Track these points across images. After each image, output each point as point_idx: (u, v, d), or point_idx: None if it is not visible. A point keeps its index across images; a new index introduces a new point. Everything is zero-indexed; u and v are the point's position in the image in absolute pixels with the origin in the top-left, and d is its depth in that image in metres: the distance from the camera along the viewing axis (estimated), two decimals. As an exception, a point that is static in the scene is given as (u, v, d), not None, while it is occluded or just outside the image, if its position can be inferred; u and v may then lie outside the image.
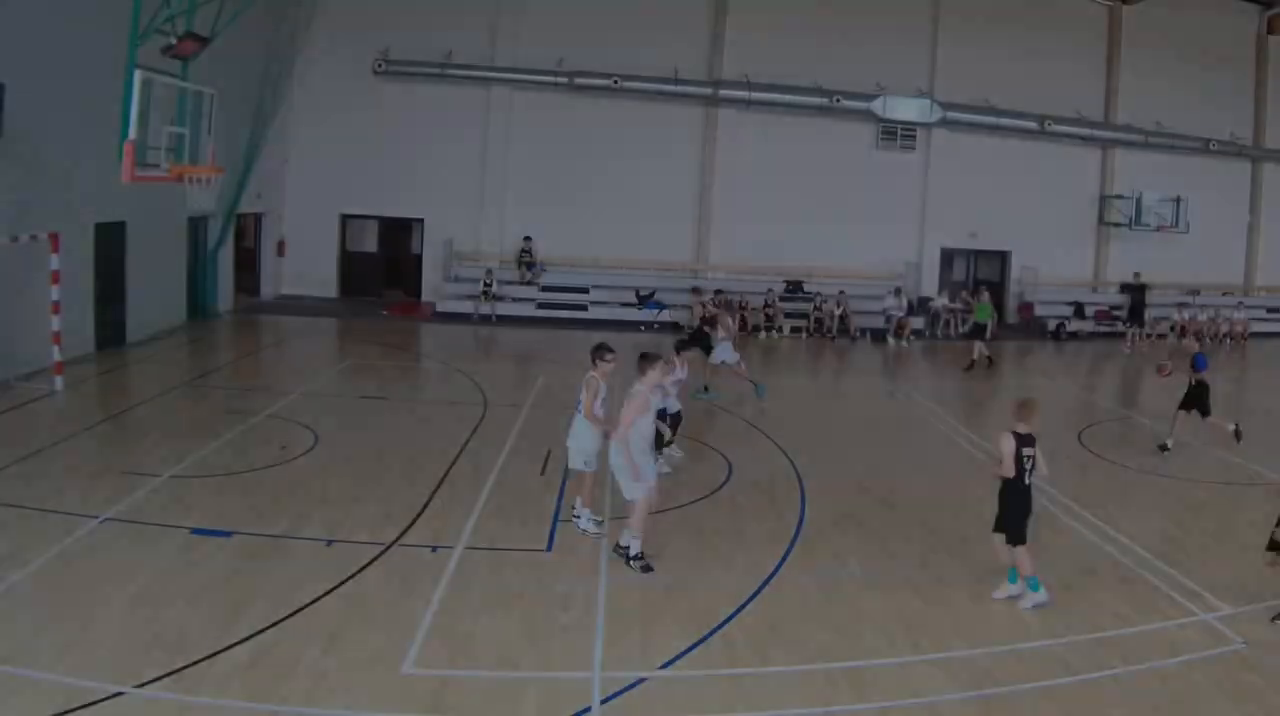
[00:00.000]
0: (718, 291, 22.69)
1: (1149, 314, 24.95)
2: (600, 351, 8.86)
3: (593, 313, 23.77)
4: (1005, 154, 26.11)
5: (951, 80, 25.64)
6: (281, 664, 6.32)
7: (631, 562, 8.22)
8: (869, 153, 25.81)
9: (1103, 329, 25.27)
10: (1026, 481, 7.81)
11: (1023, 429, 7.79)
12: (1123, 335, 24.02)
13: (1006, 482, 7.81)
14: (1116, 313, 25.72)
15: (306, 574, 7.75)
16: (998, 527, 7.91)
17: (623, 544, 8.35)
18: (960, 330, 24.44)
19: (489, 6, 24.31)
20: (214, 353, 17.92)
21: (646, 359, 8.53)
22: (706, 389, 15.11)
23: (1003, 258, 27.53)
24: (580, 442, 8.86)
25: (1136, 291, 23.42)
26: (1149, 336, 24.15)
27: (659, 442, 11.72)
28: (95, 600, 7.05)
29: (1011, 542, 7.80)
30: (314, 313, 22.76)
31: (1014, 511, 7.81)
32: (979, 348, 19.37)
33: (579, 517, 9.05)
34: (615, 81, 24.18)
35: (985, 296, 20.73)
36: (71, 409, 12.72)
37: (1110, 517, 10.09)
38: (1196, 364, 12.77)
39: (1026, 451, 7.75)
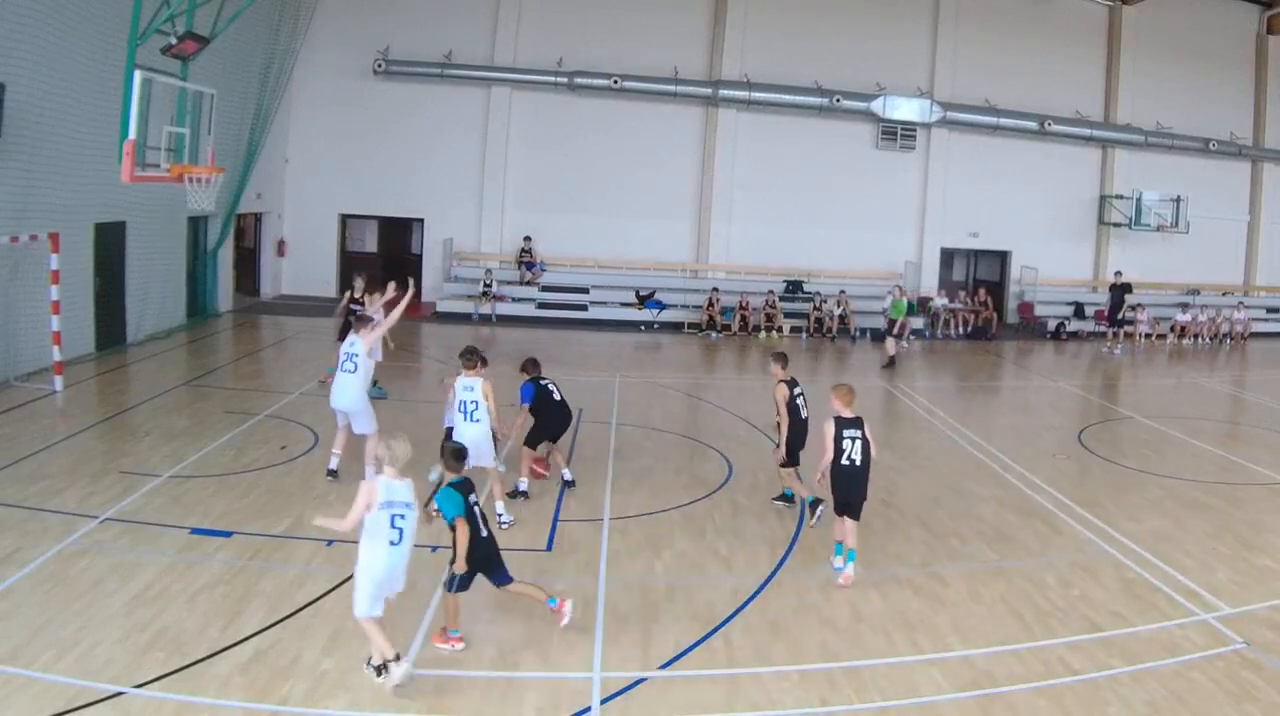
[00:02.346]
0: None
1: (1146, 313, 24.92)
2: (479, 354, 9.40)
3: (593, 312, 23.78)
4: (1005, 154, 26.16)
5: (951, 80, 25.67)
6: (281, 664, 6.33)
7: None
8: (869, 152, 25.79)
9: (1102, 329, 25.23)
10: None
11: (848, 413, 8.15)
12: (1103, 334, 23.85)
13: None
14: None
15: (306, 574, 7.76)
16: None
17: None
18: (961, 331, 24.48)
19: (489, 6, 24.33)
20: (214, 353, 17.90)
21: (361, 322, 10.02)
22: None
23: (1003, 258, 27.53)
24: (490, 442, 9.16)
25: (1116, 291, 23.18)
26: (1117, 335, 23.76)
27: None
28: (95, 600, 7.05)
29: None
30: (314, 312, 22.73)
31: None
32: (894, 344, 19.86)
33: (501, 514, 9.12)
34: (615, 81, 24.18)
35: (898, 294, 20.78)
36: (71, 409, 12.71)
37: (1110, 517, 10.10)
38: (523, 396, 10.67)
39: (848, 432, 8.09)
